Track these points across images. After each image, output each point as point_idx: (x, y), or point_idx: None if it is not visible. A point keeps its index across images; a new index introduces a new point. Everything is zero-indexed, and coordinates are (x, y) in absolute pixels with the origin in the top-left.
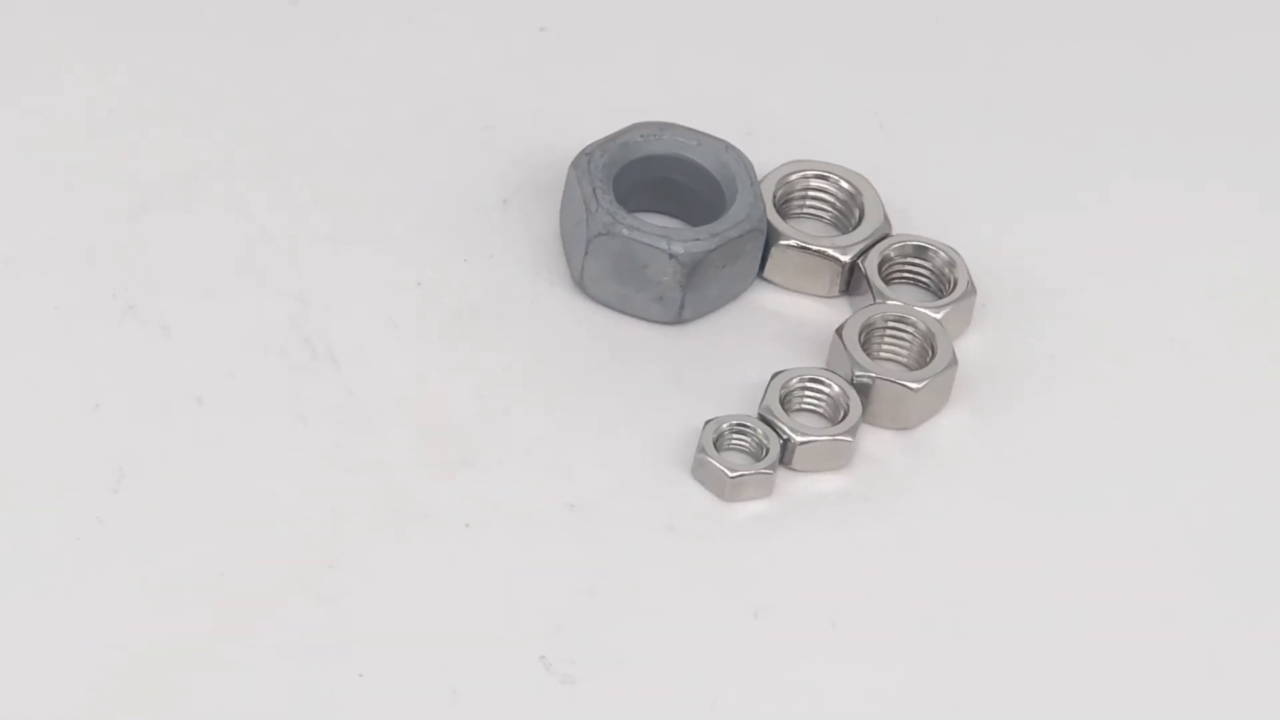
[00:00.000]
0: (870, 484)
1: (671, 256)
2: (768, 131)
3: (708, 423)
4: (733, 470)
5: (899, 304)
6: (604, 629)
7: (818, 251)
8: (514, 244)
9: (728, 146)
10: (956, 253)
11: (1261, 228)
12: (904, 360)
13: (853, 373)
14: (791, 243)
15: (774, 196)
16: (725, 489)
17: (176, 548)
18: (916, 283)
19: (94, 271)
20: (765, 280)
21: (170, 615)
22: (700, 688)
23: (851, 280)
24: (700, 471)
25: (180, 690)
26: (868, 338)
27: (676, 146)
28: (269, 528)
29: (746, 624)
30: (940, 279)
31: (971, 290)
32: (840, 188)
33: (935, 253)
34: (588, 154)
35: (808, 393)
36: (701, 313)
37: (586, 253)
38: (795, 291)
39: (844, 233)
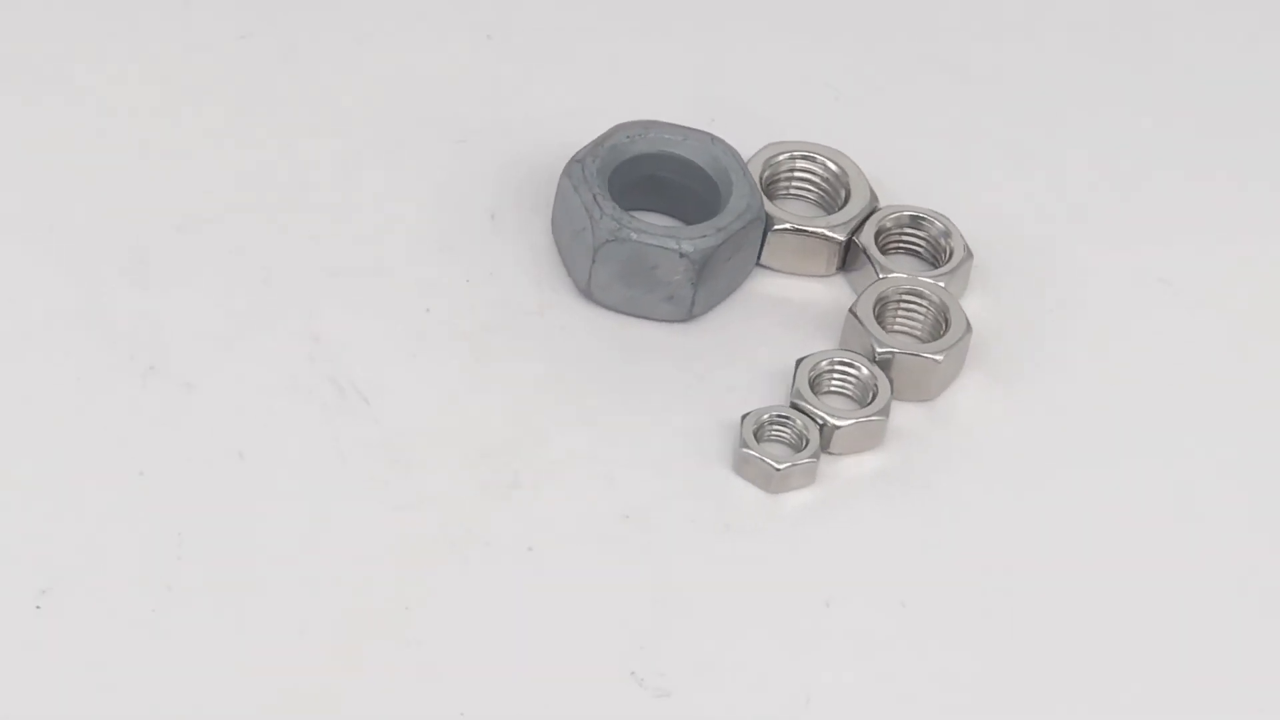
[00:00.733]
0: (907, 460)
1: (682, 255)
2: (728, 118)
3: (745, 417)
4: (779, 463)
5: (905, 276)
6: (685, 636)
7: (814, 233)
8: (510, 258)
9: (713, 139)
10: (948, 219)
11: (1233, 159)
12: (918, 333)
13: (874, 350)
14: (787, 226)
15: (761, 181)
16: (772, 482)
17: (250, 610)
18: (910, 252)
19: (105, 336)
20: (761, 266)
21: (260, 680)
22: (792, 683)
23: (847, 257)
24: (744, 467)
25: None
26: (881, 312)
27: (663, 144)
28: (337, 577)
29: (821, 614)
30: (935, 247)
31: (969, 255)
32: (826, 168)
33: (931, 222)
34: (579, 161)
35: (835, 375)
36: (709, 307)
37: (594, 260)
38: (793, 274)
39: (830, 211)
